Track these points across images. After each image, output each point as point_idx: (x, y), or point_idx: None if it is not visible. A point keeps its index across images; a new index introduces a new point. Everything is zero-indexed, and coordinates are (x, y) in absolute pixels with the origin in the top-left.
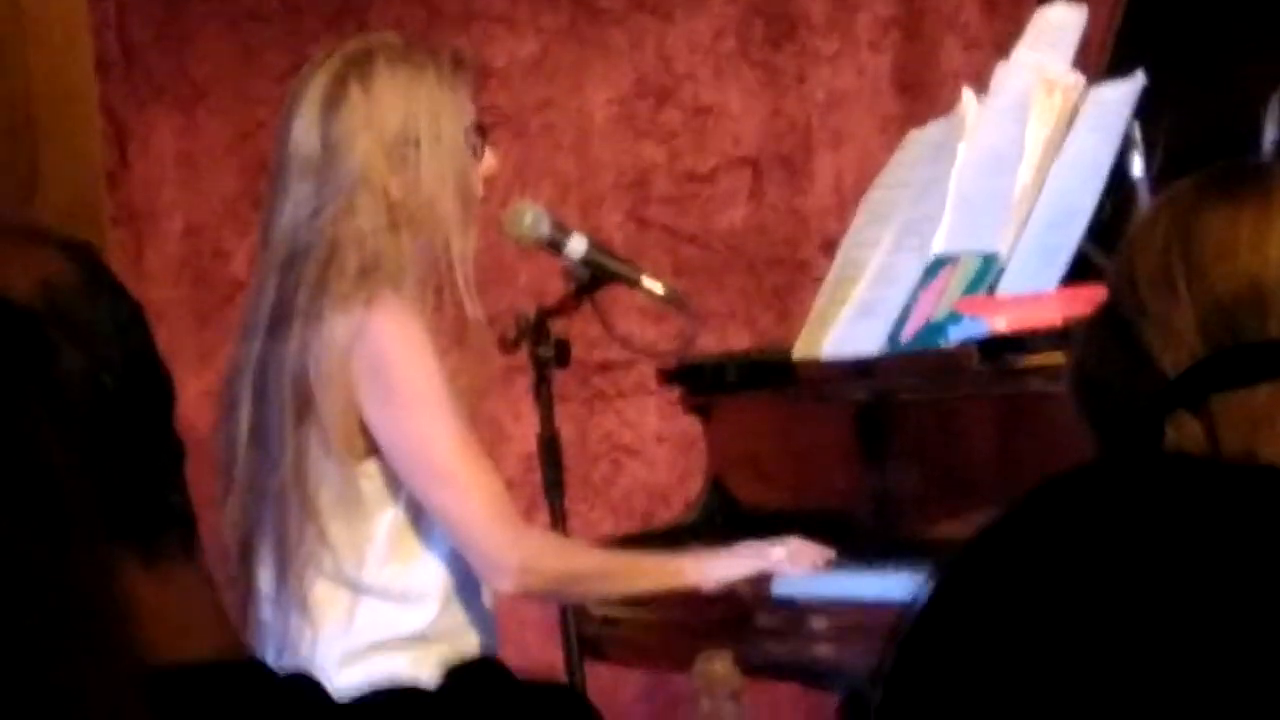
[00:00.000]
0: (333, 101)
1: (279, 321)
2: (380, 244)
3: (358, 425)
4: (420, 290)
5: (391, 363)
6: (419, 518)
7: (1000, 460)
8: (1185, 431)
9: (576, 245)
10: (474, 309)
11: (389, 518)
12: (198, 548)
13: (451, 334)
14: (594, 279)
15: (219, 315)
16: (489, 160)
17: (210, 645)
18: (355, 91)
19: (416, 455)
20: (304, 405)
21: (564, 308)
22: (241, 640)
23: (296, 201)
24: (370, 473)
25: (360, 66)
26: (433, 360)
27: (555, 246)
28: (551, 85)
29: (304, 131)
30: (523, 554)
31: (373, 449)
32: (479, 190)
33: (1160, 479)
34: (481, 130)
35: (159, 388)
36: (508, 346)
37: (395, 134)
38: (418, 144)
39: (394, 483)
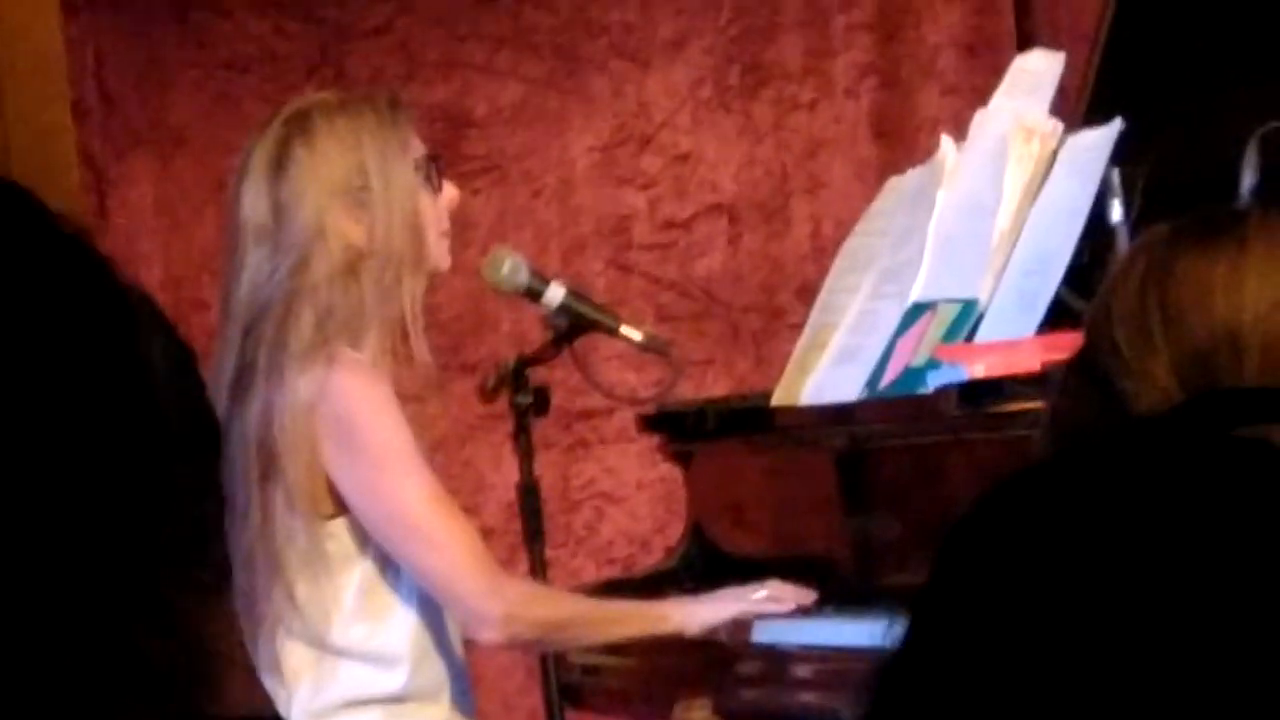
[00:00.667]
0: (278, 164)
1: (241, 384)
2: (335, 293)
3: (324, 484)
4: (385, 340)
5: (357, 422)
6: (387, 576)
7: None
8: None
9: (555, 293)
10: (421, 350)
11: (356, 577)
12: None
13: (422, 384)
14: (573, 326)
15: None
16: (450, 192)
17: (244, 700)
18: (299, 150)
19: (390, 513)
20: (269, 465)
21: (544, 355)
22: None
23: (253, 269)
24: (336, 532)
25: (300, 125)
26: (397, 415)
27: (534, 294)
28: (532, 133)
29: (253, 200)
30: (506, 603)
31: (340, 508)
32: (441, 224)
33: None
34: (434, 161)
35: (212, 436)
36: (487, 395)
37: (344, 182)
38: (368, 187)
39: (361, 541)
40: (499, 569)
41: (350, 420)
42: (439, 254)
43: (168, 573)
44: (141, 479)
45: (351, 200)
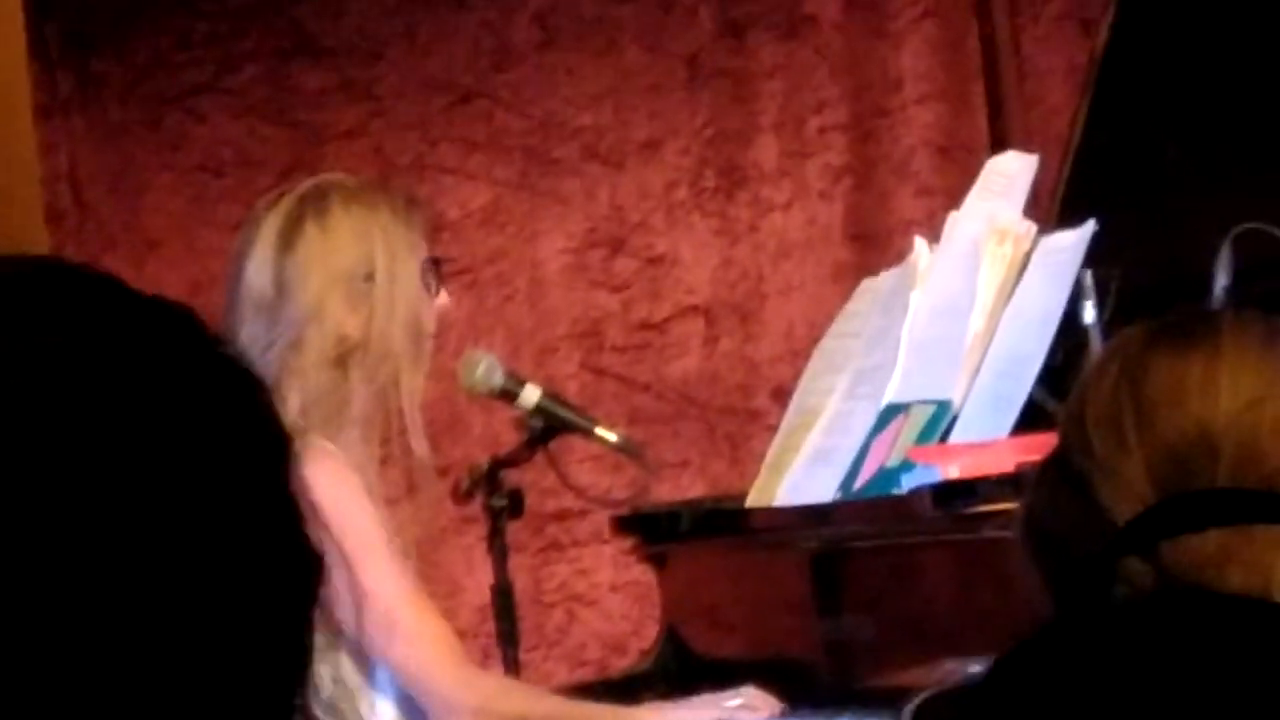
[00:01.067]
0: (288, 241)
1: None
2: (324, 382)
3: None
4: (367, 434)
5: (327, 515)
6: (363, 667)
7: (955, 607)
8: (1135, 578)
9: (529, 395)
10: (420, 447)
11: (333, 668)
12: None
13: (401, 484)
14: (547, 428)
15: None
16: (443, 299)
17: None
18: (311, 229)
19: (361, 606)
20: None
21: (518, 457)
22: None
23: (247, 340)
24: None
25: (315, 204)
26: (369, 508)
27: (508, 396)
28: (504, 235)
29: (257, 271)
30: (479, 696)
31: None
32: (432, 328)
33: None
34: (436, 265)
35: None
36: (461, 497)
37: (350, 270)
38: (372, 280)
39: (336, 633)
40: (472, 662)
41: (320, 512)
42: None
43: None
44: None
45: (354, 289)
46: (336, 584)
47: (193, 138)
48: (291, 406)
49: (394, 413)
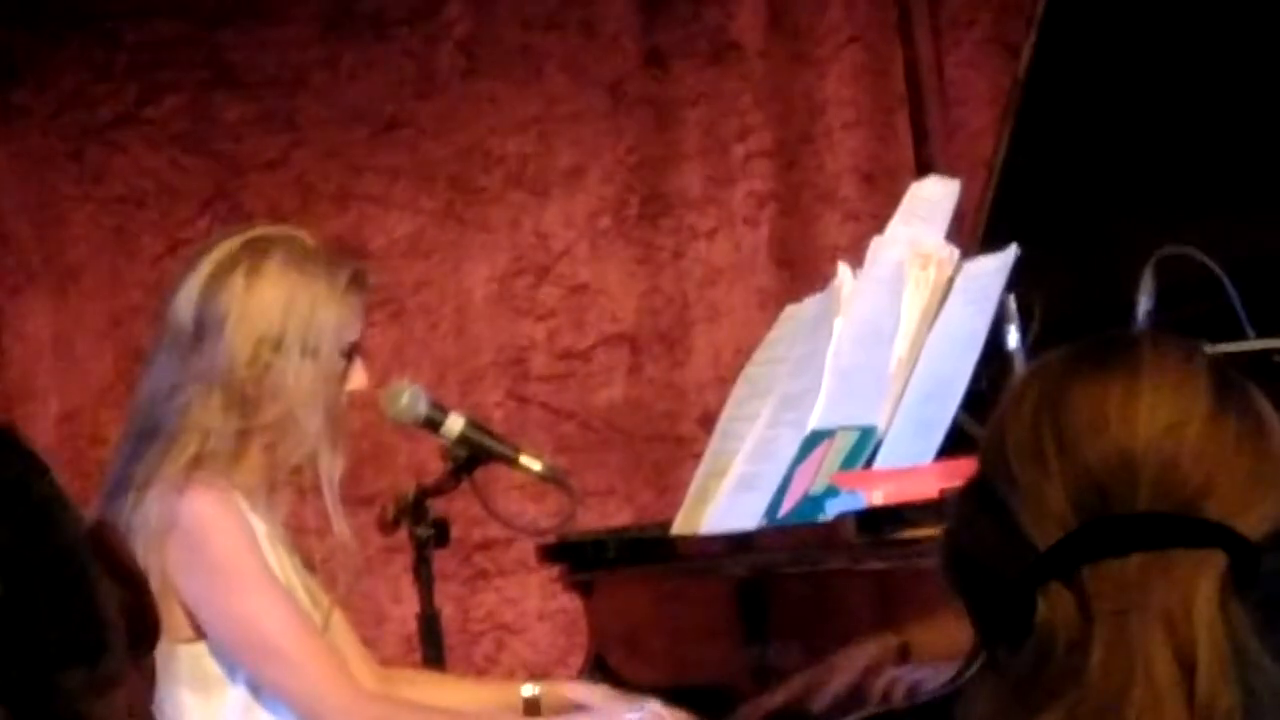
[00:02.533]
0: (215, 281)
1: (116, 493)
2: (223, 445)
3: (178, 608)
4: (264, 479)
5: (210, 547)
6: (262, 697)
7: (880, 632)
8: (1057, 603)
9: (454, 424)
10: (342, 529)
11: (233, 698)
12: None
13: (318, 520)
14: (472, 457)
15: (97, 500)
16: (358, 380)
17: None
18: (239, 278)
19: (245, 635)
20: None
21: (443, 486)
22: None
23: (159, 375)
24: (205, 653)
25: (253, 255)
26: (249, 541)
27: (433, 425)
28: (428, 264)
29: (183, 302)
30: (365, 717)
31: (201, 631)
32: (338, 406)
33: None
34: (356, 350)
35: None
36: (387, 527)
37: (261, 333)
38: (279, 348)
39: (233, 664)
40: (359, 687)
41: (202, 544)
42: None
43: None
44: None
45: (260, 354)
46: (218, 614)
47: (114, 169)
48: (185, 457)
49: (307, 478)
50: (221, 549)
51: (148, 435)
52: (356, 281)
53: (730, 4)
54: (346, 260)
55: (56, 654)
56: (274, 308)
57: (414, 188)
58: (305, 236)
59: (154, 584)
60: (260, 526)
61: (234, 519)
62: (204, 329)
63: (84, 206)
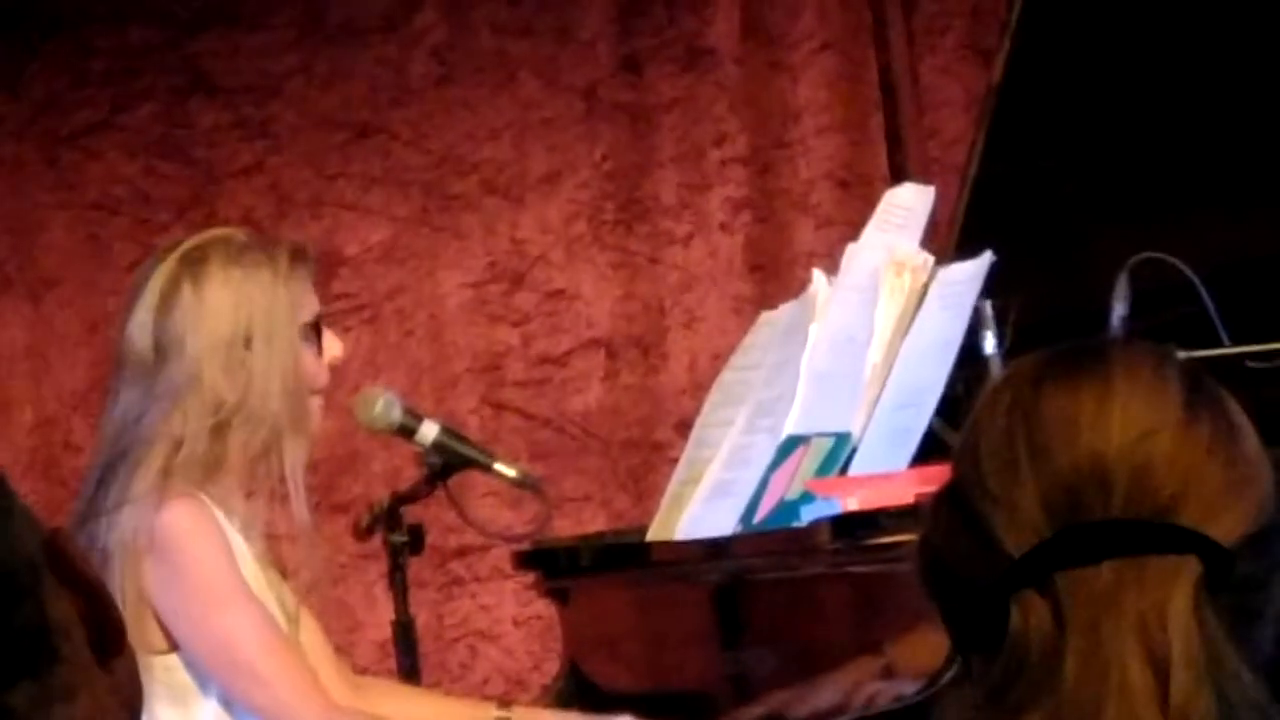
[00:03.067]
0: (165, 303)
1: (87, 519)
2: (197, 447)
3: (151, 619)
4: (240, 488)
5: (185, 561)
6: (234, 710)
7: (856, 638)
8: (1031, 611)
9: (428, 431)
10: (301, 513)
11: (206, 711)
12: None
13: (290, 527)
14: (447, 464)
15: (70, 508)
16: (333, 349)
17: None
18: (187, 293)
19: (217, 650)
20: None
21: (418, 493)
22: None
23: (125, 405)
24: (179, 665)
25: (193, 267)
26: (225, 555)
27: (407, 432)
28: (403, 271)
29: (137, 331)
30: None
31: (174, 643)
32: (319, 382)
33: None
34: (317, 328)
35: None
36: (361, 534)
37: (226, 336)
38: (249, 344)
39: (204, 677)
40: (330, 701)
41: (177, 557)
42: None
43: None
44: None
45: (231, 357)
46: (190, 626)
47: (89, 176)
48: (155, 467)
49: (275, 475)
50: (196, 562)
51: (115, 461)
52: (297, 258)
53: (705, 10)
54: (282, 241)
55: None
56: (227, 308)
57: (389, 194)
58: (238, 233)
59: (130, 598)
60: (235, 538)
61: (209, 531)
62: (163, 351)
63: (59, 214)
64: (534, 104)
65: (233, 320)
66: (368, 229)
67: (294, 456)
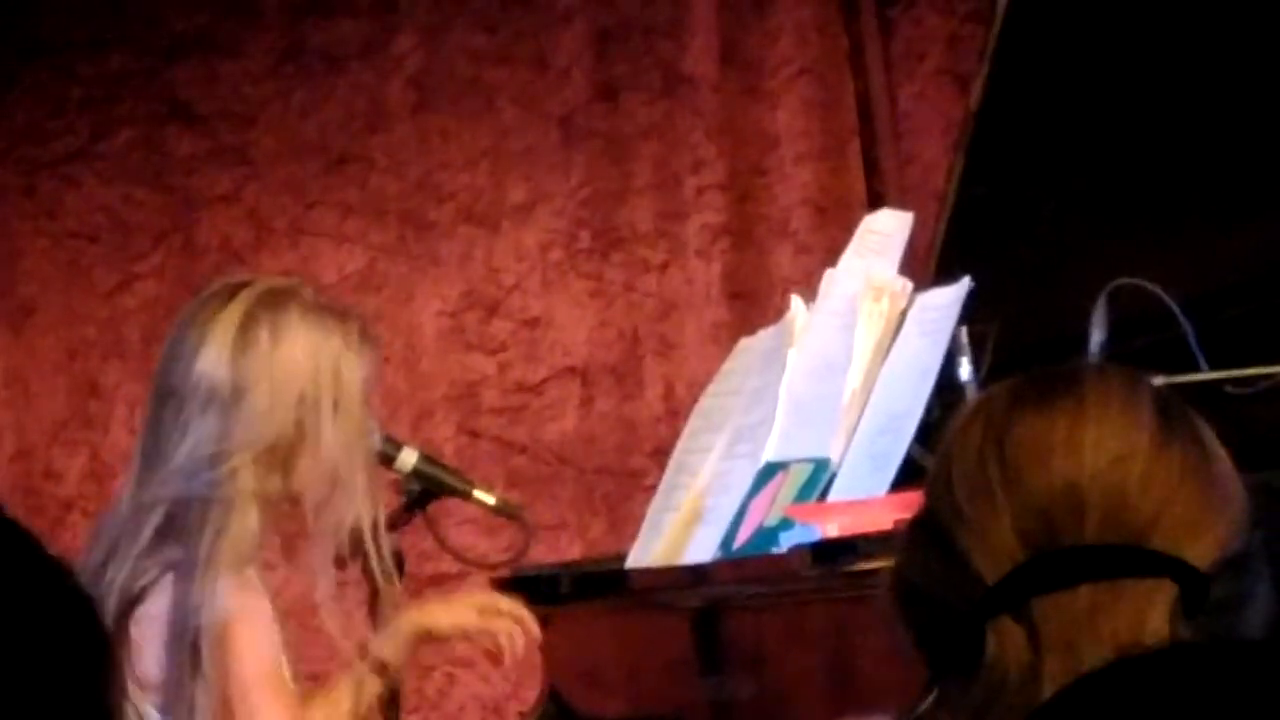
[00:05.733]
0: (243, 342)
1: (183, 570)
2: (276, 510)
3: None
4: (326, 567)
5: (232, 645)
6: None
7: (835, 664)
8: (1007, 637)
9: (406, 458)
10: (388, 582)
11: None
12: None
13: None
14: (425, 492)
15: (50, 538)
16: (375, 436)
17: None
18: (264, 338)
19: None
20: (195, 658)
21: (396, 521)
22: None
23: (199, 439)
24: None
25: (272, 313)
26: (274, 641)
27: (385, 460)
28: (380, 298)
29: (211, 365)
30: None
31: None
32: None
33: None
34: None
35: None
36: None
37: (297, 394)
38: (318, 409)
39: None
40: None
41: (225, 638)
42: None
43: None
44: None
45: (299, 415)
46: (202, 704)
47: (67, 203)
48: (248, 532)
49: (350, 539)
50: (241, 650)
51: (196, 504)
52: (365, 335)
53: (682, 37)
54: (352, 313)
55: None
56: (303, 365)
57: (365, 222)
58: (306, 289)
59: (217, 658)
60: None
61: (262, 622)
62: (241, 393)
63: (37, 241)
64: (511, 131)
65: (303, 378)
66: (344, 257)
67: (376, 523)
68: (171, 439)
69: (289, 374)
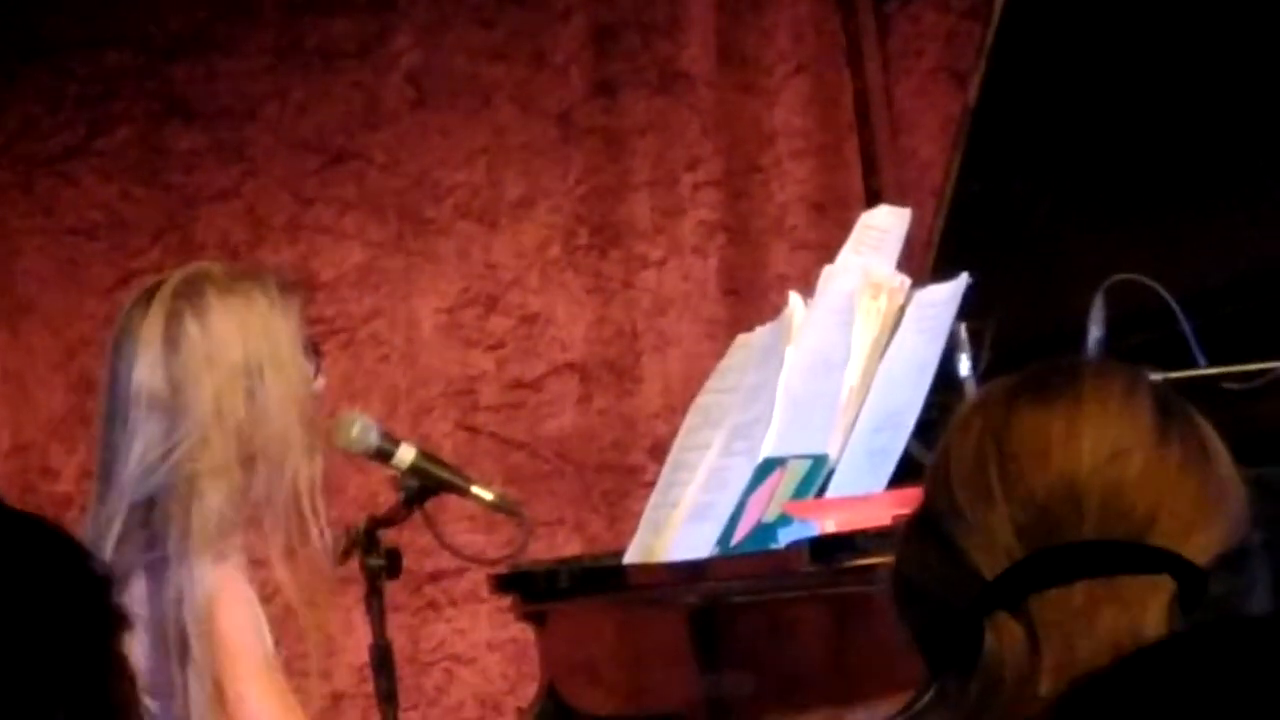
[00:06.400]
0: (171, 341)
1: (155, 566)
2: (236, 478)
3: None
4: (282, 533)
5: (220, 632)
6: None
7: (833, 660)
8: (1005, 633)
9: (405, 454)
10: (318, 539)
11: None
12: None
13: (280, 546)
14: (423, 488)
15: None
16: (320, 382)
17: None
18: (192, 328)
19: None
20: (183, 648)
21: (394, 517)
22: None
23: (146, 441)
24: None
25: (191, 301)
26: (259, 627)
27: (384, 456)
28: (379, 295)
29: (147, 373)
30: None
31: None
32: (318, 405)
33: None
34: (314, 350)
35: None
36: (338, 558)
37: (238, 366)
38: (261, 374)
39: None
40: None
41: (212, 626)
42: None
43: None
44: None
45: (245, 385)
46: (195, 691)
47: (65, 201)
48: (211, 508)
49: (293, 499)
50: (228, 637)
51: (160, 500)
52: (287, 286)
53: (679, 34)
54: (265, 269)
55: None
56: (234, 339)
57: (363, 219)
58: (215, 265)
59: (206, 642)
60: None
61: (248, 609)
62: (180, 387)
63: (34, 239)
64: (508, 128)
65: (243, 350)
66: (343, 253)
67: (312, 480)
68: (121, 453)
69: (225, 353)
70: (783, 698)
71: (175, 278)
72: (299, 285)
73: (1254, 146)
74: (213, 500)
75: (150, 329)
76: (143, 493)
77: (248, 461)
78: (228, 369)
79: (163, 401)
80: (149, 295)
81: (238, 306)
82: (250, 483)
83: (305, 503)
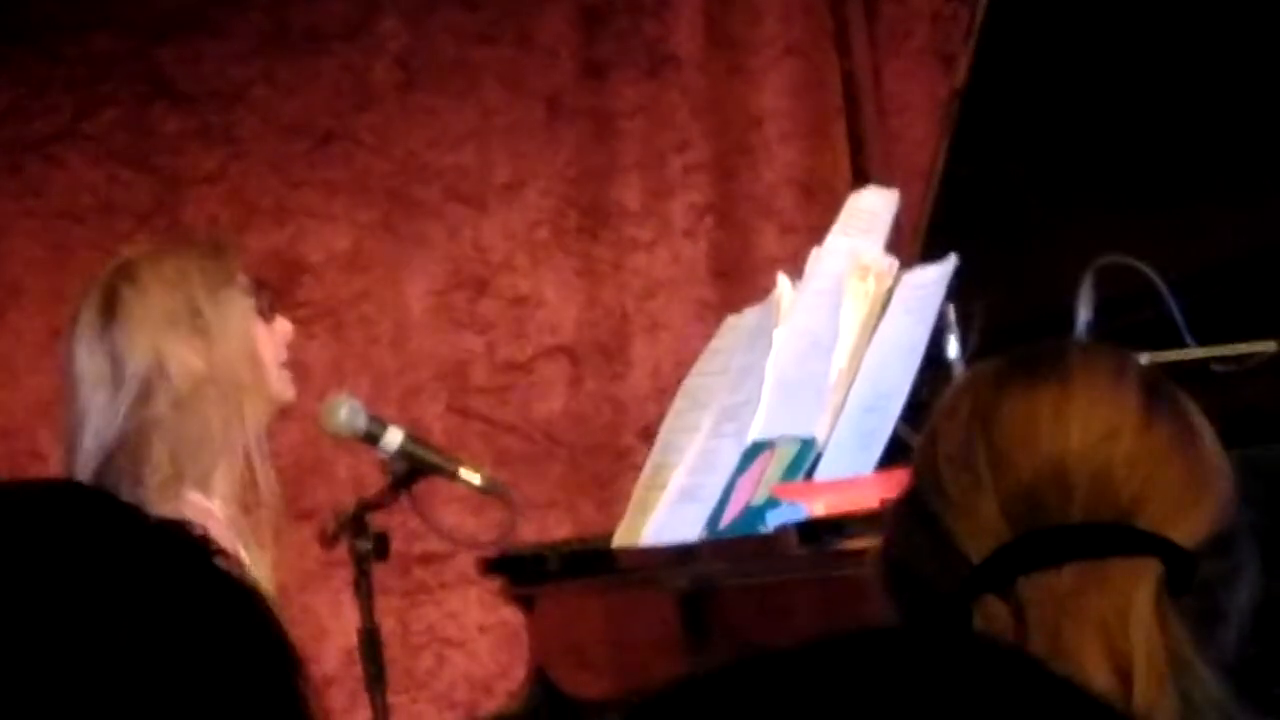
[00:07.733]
0: (108, 313)
1: None
2: (183, 421)
3: None
4: (233, 477)
5: None
6: None
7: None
8: (992, 615)
9: (393, 437)
10: (266, 478)
11: None
12: None
13: (267, 529)
14: (412, 471)
15: None
16: (283, 324)
17: None
18: (127, 292)
19: None
20: None
21: (383, 500)
22: None
23: (96, 414)
24: None
25: (125, 273)
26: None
27: (372, 439)
28: (368, 278)
29: (87, 354)
30: None
31: None
32: (280, 354)
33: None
34: (262, 288)
35: None
36: (327, 541)
37: (176, 312)
38: (201, 315)
39: None
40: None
41: None
42: (281, 384)
43: None
44: None
45: (187, 329)
46: None
47: (52, 184)
48: (159, 454)
49: (251, 442)
50: None
51: (112, 457)
52: (218, 241)
53: (667, 17)
54: (194, 233)
55: None
56: (169, 294)
57: (352, 201)
58: (143, 245)
59: None
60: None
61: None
62: (119, 356)
63: (22, 222)
64: (497, 110)
65: (176, 298)
66: (331, 236)
67: (256, 419)
68: (78, 432)
69: (160, 302)
70: None
71: (110, 266)
72: (231, 238)
73: (1242, 129)
74: (159, 449)
75: (88, 314)
76: (100, 458)
77: (195, 397)
78: (164, 318)
79: (105, 377)
80: (86, 290)
81: (170, 265)
82: (201, 419)
83: (253, 442)
